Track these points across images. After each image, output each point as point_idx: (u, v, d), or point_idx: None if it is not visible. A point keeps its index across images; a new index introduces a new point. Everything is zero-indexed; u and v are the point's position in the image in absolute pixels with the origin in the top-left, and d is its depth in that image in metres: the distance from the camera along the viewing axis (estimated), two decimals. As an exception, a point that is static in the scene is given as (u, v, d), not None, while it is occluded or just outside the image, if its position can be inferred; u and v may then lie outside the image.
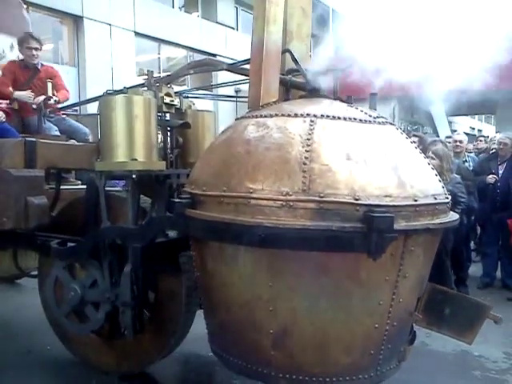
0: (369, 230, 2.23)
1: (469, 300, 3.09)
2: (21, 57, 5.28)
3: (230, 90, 8.27)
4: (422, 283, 2.74)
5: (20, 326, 4.72)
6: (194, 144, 3.80)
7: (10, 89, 4.97)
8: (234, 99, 5.79)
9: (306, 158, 2.39)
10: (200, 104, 4.09)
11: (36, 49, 5.17)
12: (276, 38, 2.92)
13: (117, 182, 4.31)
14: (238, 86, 4.14)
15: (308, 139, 2.45)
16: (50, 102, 4.89)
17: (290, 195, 2.32)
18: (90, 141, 4.88)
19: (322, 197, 2.29)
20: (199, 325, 3.50)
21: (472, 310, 3.00)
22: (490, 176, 6.43)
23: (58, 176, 4.01)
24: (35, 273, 4.17)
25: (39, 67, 5.27)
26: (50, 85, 4.92)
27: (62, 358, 3.94)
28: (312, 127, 2.50)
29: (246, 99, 3.27)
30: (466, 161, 7.21)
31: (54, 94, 5.03)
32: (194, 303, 3.50)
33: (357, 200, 2.29)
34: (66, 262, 3.53)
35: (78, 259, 3.48)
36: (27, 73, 5.21)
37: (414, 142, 5.84)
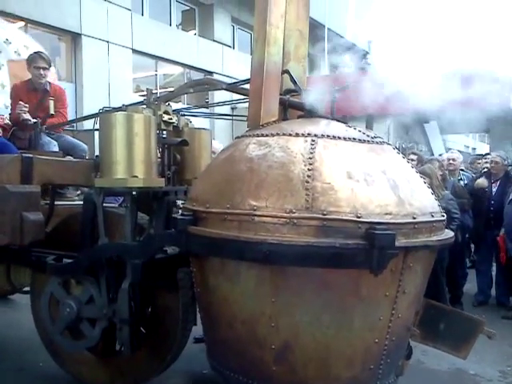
0: (371, 247, 2.30)
1: (463, 315, 3.17)
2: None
3: (225, 108, 8.35)
4: (419, 299, 2.81)
5: (12, 343, 4.65)
6: (191, 161, 3.85)
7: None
8: (231, 117, 5.86)
9: (308, 176, 2.45)
10: (196, 122, 4.15)
11: (44, 68, 5.19)
12: (276, 59, 3.00)
13: (117, 198, 4.31)
14: (234, 104, 4.21)
15: (310, 158, 2.52)
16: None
17: (294, 212, 2.38)
18: (87, 157, 4.89)
19: (324, 214, 2.35)
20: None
21: (466, 326, 3.08)
22: (481, 179, 6.50)
23: (53, 192, 4.01)
24: (28, 289, 4.13)
25: (48, 88, 5.27)
26: (51, 103, 4.95)
27: (54, 375, 3.90)
28: (313, 146, 2.57)
29: (243, 117, 3.35)
30: (460, 179, 7.28)
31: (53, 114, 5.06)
32: (191, 319, 3.51)
33: (359, 218, 2.36)
34: (62, 278, 3.51)
35: (74, 275, 3.47)
36: (35, 95, 5.21)
37: (413, 159, 6.02)
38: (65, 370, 3.94)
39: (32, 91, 5.24)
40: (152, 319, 3.54)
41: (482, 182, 6.58)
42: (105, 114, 3.25)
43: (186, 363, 3.96)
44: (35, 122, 4.70)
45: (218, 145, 5.35)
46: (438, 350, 3.14)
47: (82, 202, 3.78)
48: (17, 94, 5.16)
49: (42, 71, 5.18)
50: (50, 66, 5.32)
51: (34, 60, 5.19)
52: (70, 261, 3.47)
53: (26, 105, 4.93)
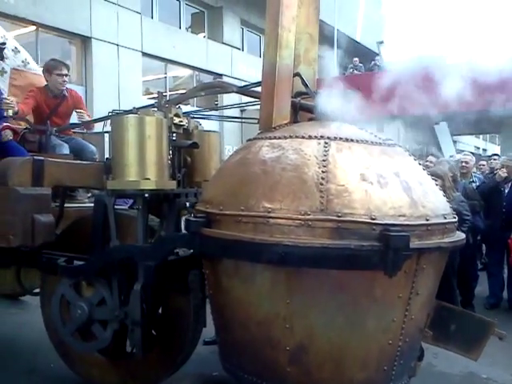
0: (385, 248, 2.32)
1: (474, 317, 3.19)
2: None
3: (235, 110, 8.39)
4: (432, 301, 2.82)
5: (24, 344, 4.67)
6: (200, 164, 3.86)
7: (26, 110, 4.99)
8: (240, 120, 5.88)
9: (322, 178, 2.47)
10: (205, 124, 4.16)
11: (66, 75, 5.23)
12: (288, 62, 3.02)
13: (126, 200, 4.33)
14: (243, 106, 4.25)
15: (323, 160, 2.53)
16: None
17: (309, 214, 2.39)
18: (97, 159, 4.92)
19: (339, 216, 2.37)
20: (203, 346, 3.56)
21: (477, 327, 3.09)
22: (501, 171, 6.44)
23: (63, 194, 4.03)
24: (37, 291, 4.15)
25: (66, 94, 5.31)
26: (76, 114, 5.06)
27: (65, 376, 3.91)
28: (327, 149, 2.59)
29: (252, 120, 3.36)
30: (472, 181, 7.23)
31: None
32: (201, 321, 3.52)
33: (373, 219, 2.37)
34: (73, 279, 3.53)
35: (86, 277, 3.49)
36: (52, 101, 5.23)
37: (431, 161, 6.03)
38: (75, 371, 3.94)
39: (51, 97, 5.25)
40: (163, 321, 3.56)
41: (503, 173, 6.46)
42: (117, 117, 3.26)
43: (196, 365, 3.97)
44: (46, 125, 4.73)
45: None
46: (449, 351, 3.15)
47: (92, 205, 3.82)
48: (35, 96, 5.14)
49: (64, 78, 5.21)
50: (69, 71, 5.37)
51: (56, 67, 5.20)
52: (81, 263, 3.49)
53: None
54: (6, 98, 4.75)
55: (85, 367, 3.89)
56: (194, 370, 4.05)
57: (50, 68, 5.26)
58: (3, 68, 5.48)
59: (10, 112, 4.62)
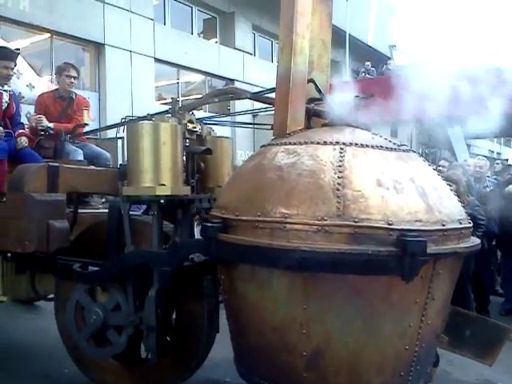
0: (403, 254, 2.32)
1: (489, 322, 3.18)
2: (49, 88, 5.37)
3: (246, 116, 8.45)
4: (447, 306, 2.82)
5: (38, 349, 4.71)
6: (213, 169, 3.89)
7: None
8: (252, 126, 5.91)
9: (338, 184, 2.48)
10: (217, 129, 4.19)
11: (75, 77, 5.36)
12: (302, 68, 3.04)
13: (139, 206, 4.36)
14: (256, 112, 4.28)
15: (339, 166, 2.55)
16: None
17: (326, 220, 2.40)
18: (111, 165, 4.97)
19: (356, 222, 2.38)
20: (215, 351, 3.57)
21: (492, 332, 3.09)
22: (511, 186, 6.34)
23: (77, 200, 4.06)
24: (51, 296, 4.18)
25: (74, 97, 5.41)
26: (85, 113, 5.11)
27: (80, 381, 3.92)
28: (342, 154, 2.60)
29: (266, 125, 3.37)
30: (486, 186, 7.22)
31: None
32: (215, 327, 3.54)
33: (390, 225, 2.38)
34: (88, 285, 3.55)
35: (101, 283, 3.51)
36: (60, 103, 5.33)
37: (444, 166, 6.02)
38: (89, 377, 3.96)
39: (58, 99, 5.37)
40: (177, 326, 3.57)
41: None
42: (132, 124, 3.29)
43: (209, 371, 3.97)
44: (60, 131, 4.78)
45: None
46: (464, 357, 3.14)
47: (105, 210, 3.84)
48: (43, 103, 5.26)
49: (72, 80, 5.33)
50: (79, 75, 5.45)
51: (65, 69, 5.35)
52: (96, 268, 3.51)
53: (41, 116, 5.02)
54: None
55: (99, 373, 3.91)
56: (206, 376, 4.06)
57: (60, 70, 5.43)
58: (30, 83, 5.64)
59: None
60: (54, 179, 3.61)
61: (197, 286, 3.36)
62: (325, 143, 2.70)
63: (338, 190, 2.46)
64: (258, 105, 3.82)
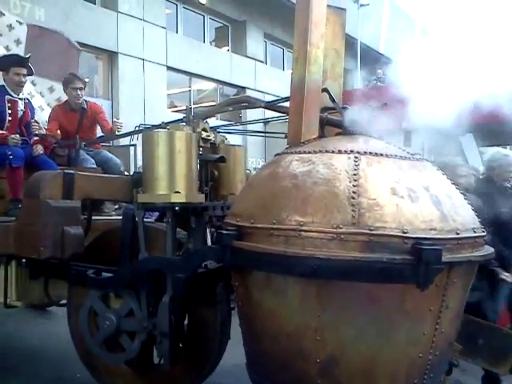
0: (418, 262, 2.34)
1: (501, 331, 3.18)
2: (63, 97, 5.42)
3: (257, 124, 8.53)
4: (460, 314, 2.83)
5: (51, 353, 4.76)
6: (226, 177, 3.93)
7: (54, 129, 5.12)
8: (264, 134, 5.96)
9: (353, 192, 2.50)
10: (228, 137, 4.23)
11: (81, 89, 5.33)
12: (317, 77, 3.06)
13: (151, 213, 4.40)
14: (268, 120, 4.33)
15: (354, 174, 2.57)
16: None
17: (341, 228, 2.43)
18: (122, 171, 5.02)
19: (371, 230, 2.40)
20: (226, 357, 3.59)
21: (505, 341, 3.09)
22: None
23: (91, 207, 4.11)
24: (64, 302, 4.21)
25: (85, 106, 5.41)
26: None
27: (91, 386, 3.97)
28: (357, 163, 2.63)
29: (276, 134, 3.39)
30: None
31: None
32: (227, 333, 3.56)
33: (405, 233, 2.40)
34: (102, 291, 3.58)
35: (115, 289, 3.54)
36: (74, 116, 5.33)
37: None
38: (101, 382, 3.99)
39: (70, 112, 5.36)
40: (190, 333, 3.59)
41: None
42: (147, 132, 3.34)
43: (220, 377, 3.98)
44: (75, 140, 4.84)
45: None
46: (477, 365, 3.15)
47: (118, 217, 3.88)
48: (56, 115, 5.28)
49: (78, 91, 5.31)
50: (85, 85, 5.45)
51: (70, 81, 5.33)
52: (110, 275, 3.55)
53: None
54: (35, 121, 4.93)
55: (110, 378, 3.94)
56: (217, 382, 4.07)
57: (66, 82, 5.42)
58: (40, 105, 5.72)
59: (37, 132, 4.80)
60: (69, 186, 3.66)
61: (210, 293, 3.39)
62: (339, 152, 2.72)
63: (353, 198, 2.49)
64: (269, 113, 3.86)
